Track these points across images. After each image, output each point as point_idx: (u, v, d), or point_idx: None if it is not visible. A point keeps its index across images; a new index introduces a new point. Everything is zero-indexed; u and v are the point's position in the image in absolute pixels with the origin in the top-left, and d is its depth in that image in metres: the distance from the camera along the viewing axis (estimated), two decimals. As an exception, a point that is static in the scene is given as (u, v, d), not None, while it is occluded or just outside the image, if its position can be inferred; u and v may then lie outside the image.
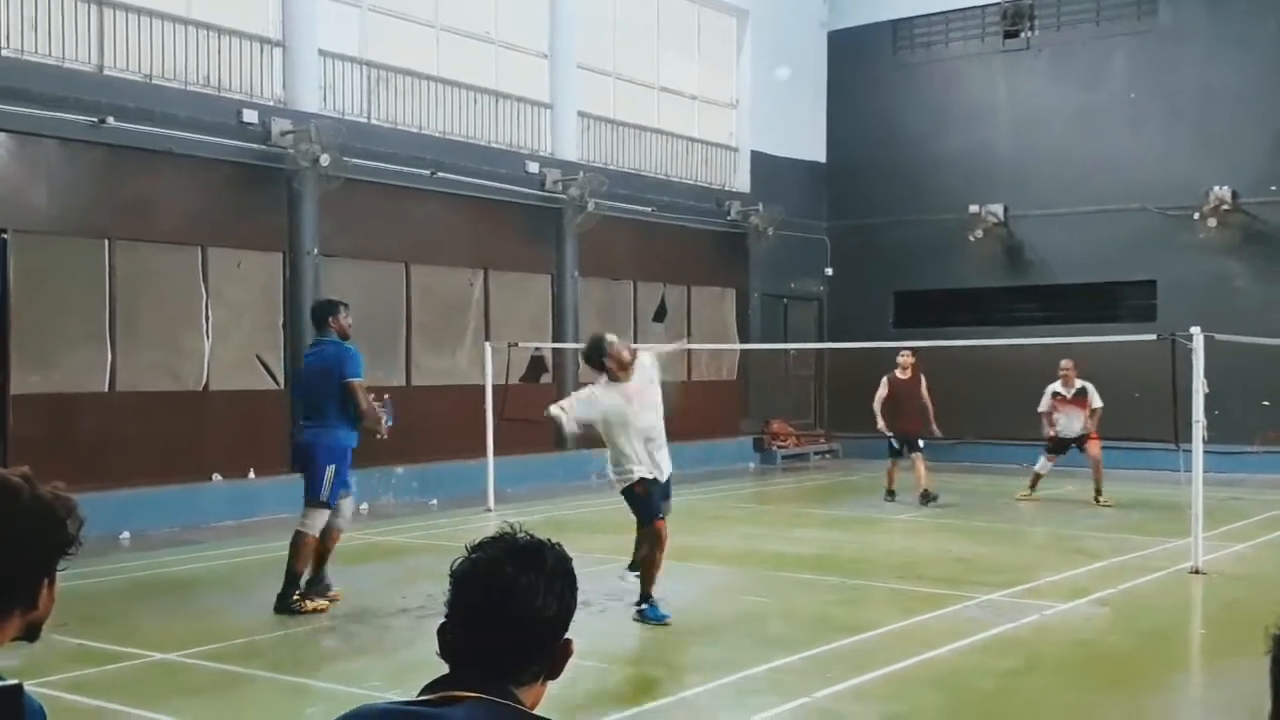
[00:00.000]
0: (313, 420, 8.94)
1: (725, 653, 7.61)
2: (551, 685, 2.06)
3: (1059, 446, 15.26)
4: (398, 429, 9.51)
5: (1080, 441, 15.07)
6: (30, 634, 1.99)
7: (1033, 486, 15.47)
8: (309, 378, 9.11)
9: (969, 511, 14.68)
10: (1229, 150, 19.10)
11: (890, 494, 15.45)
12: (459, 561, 2.03)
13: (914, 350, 15.63)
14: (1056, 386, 15.29)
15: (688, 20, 20.87)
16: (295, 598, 8.66)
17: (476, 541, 2.05)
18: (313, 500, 8.84)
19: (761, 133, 21.65)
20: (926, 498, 15.01)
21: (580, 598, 2.08)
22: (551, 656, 2.01)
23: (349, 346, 8.88)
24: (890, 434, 15.31)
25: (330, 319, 8.97)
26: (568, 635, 2.04)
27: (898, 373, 15.56)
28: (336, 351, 8.82)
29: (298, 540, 8.77)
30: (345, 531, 9.32)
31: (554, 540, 2.08)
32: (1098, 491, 14.92)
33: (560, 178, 17.62)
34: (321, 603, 8.77)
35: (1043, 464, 15.51)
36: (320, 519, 8.84)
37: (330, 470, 8.76)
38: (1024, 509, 15.01)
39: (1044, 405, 15.39)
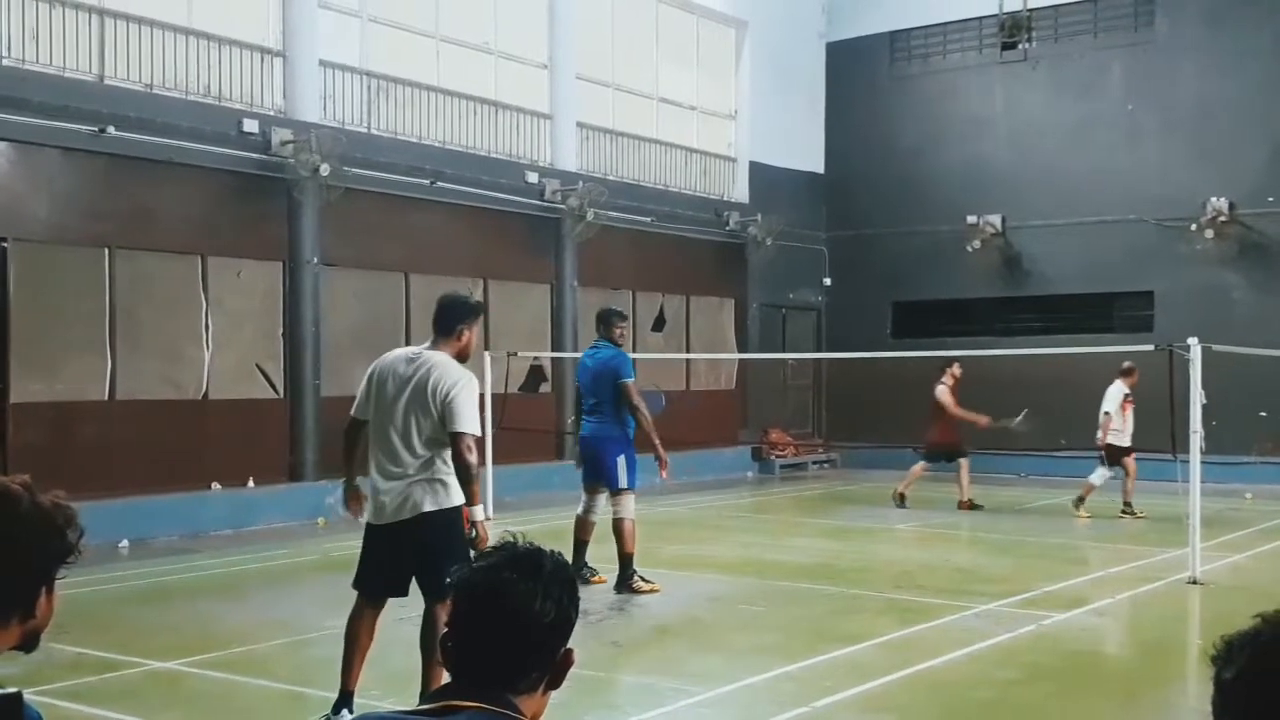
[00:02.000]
0: (594, 416, 9.75)
1: (724, 662, 7.62)
2: (552, 695, 2.08)
3: (1117, 455, 14.47)
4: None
5: (1129, 451, 14.45)
6: (28, 643, 1.99)
7: (1083, 501, 14.55)
8: (591, 377, 9.80)
9: (966, 521, 14.69)
10: (1226, 162, 19.15)
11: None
12: (460, 570, 2.06)
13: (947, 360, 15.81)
14: (1124, 387, 14.46)
15: (687, 31, 20.93)
16: (633, 578, 9.54)
17: (479, 551, 2.08)
18: (617, 491, 9.65)
19: (760, 143, 21.70)
20: (903, 501, 15.55)
21: (579, 607, 2.10)
22: (552, 665, 2.03)
23: (622, 351, 9.84)
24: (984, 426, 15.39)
25: (613, 326, 9.86)
26: (568, 645, 2.05)
27: (949, 381, 15.47)
28: (611, 355, 9.70)
29: (619, 527, 9.60)
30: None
31: (555, 550, 2.11)
32: (1128, 502, 14.45)
33: (559, 188, 17.66)
34: (656, 585, 9.60)
35: (1102, 474, 14.54)
36: (630, 504, 9.63)
37: (621, 460, 9.57)
38: (1022, 520, 15.01)
39: (1114, 405, 14.38)
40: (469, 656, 2.00)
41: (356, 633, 6.00)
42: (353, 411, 6.21)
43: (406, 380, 5.92)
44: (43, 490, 1.97)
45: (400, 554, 5.90)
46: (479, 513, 5.90)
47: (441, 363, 5.94)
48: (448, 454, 5.91)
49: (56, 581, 1.99)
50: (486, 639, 1.99)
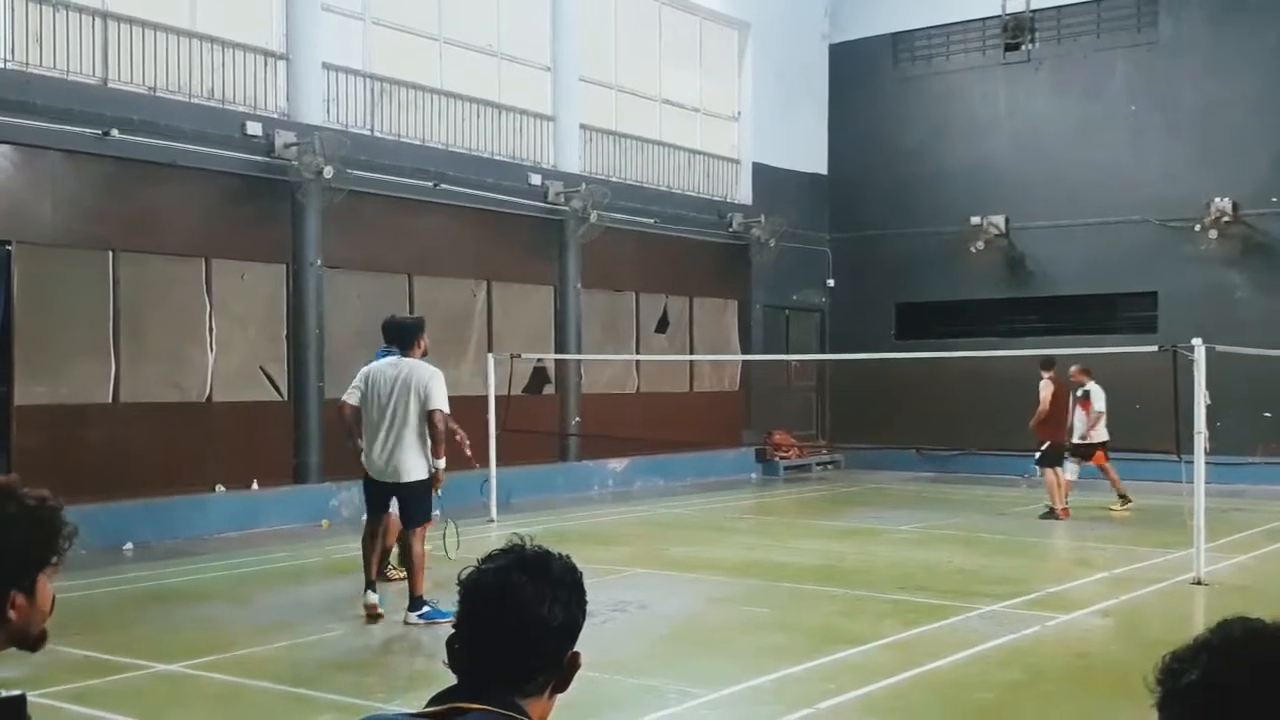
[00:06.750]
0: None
1: (728, 664, 7.63)
2: (558, 698, 2.07)
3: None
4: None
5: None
6: (24, 644, 1.94)
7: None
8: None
9: (970, 522, 14.68)
10: (1230, 162, 19.14)
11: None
12: (467, 572, 2.05)
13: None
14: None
15: (690, 33, 20.94)
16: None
17: (487, 554, 2.07)
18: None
19: (763, 145, 21.71)
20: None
21: (587, 610, 2.09)
22: (559, 668, 2.02)
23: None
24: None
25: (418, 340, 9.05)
26: (575, 649, 2.05)
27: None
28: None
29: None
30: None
31: (563, 552, 2.10)
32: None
33: (563, 190, 17.68)
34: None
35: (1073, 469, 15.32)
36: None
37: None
38: (1025, 521, 15.00)
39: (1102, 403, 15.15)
40: (476, 658, 1.99)
41: (373, 538, 8.81)
42: (352, 400, 8.63)
43: (394, 380, 8.44)
44: (37, 490, 1.93)
45: (388, 497, 8.78)
46: (441, 464, 8.57)
47: (418, 365, 8.57)
48: (424, 433, 8.45)
49: (47, 581, 1.91)
50: (494, 641, 1.98)
